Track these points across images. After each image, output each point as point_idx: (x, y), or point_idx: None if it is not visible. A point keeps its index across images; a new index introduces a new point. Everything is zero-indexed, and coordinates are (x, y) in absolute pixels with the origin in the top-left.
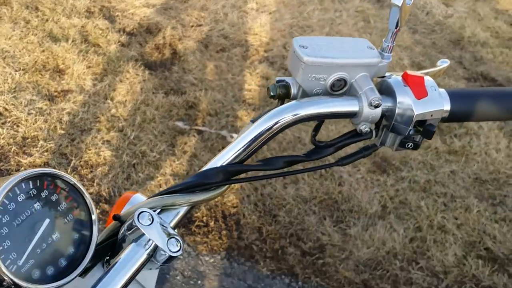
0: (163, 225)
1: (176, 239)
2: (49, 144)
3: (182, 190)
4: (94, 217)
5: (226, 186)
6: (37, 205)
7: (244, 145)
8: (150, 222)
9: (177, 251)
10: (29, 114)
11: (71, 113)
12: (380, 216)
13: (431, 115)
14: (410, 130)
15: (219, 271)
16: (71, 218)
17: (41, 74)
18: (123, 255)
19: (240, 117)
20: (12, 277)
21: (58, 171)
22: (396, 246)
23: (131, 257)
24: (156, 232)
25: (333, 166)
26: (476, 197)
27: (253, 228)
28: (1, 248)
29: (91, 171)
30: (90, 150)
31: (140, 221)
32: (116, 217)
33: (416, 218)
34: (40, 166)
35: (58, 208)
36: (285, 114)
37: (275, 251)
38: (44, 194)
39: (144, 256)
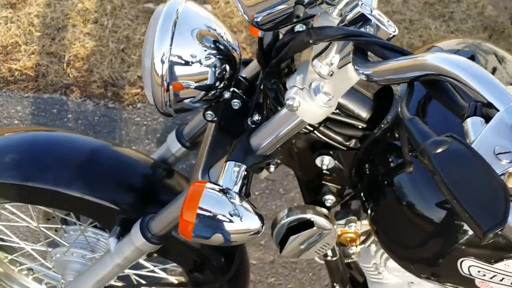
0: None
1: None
2: (32, 47)
3: None
4: None
5: None
6: None
7: None
8: None
9: (395, 31)
10: None
11: (40, 15)
12: None
13: None
14: None
15: None
16: None
17: None
18: None
19: None
20: None
21: None
22: None
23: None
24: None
25: None
26: (430, 17)
27: None
28: None
29: (84, 63)
30: (74, 44)
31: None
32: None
33: None
34: (32, 68)
35: None
36: None
37: None
38: None
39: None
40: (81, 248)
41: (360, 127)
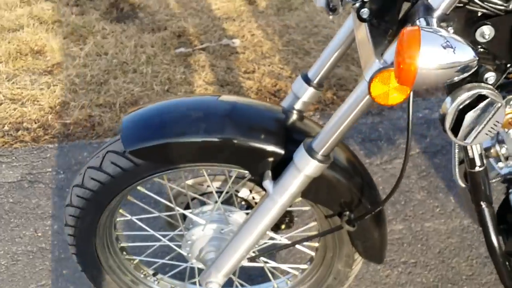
0: None
1: None
2: (79, 102)
3: None
4: None
5: None
6: None
7: None
8: None
9: None
10: (40, 89)
11: (79, 75)
12: None
13: None
14: None
15: None
16: None
17: (23, 60)
18: None
19: (226, 29)
20: None
21: None
22: None
23: None
24: None
25: None
26: None
27: None
28: None
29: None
30: (121, 93)
31: None
32: None
33: None
34: (85, 120)
35: None
36: None
37: None
38: None
39: None
40: (218, 223)
41: None
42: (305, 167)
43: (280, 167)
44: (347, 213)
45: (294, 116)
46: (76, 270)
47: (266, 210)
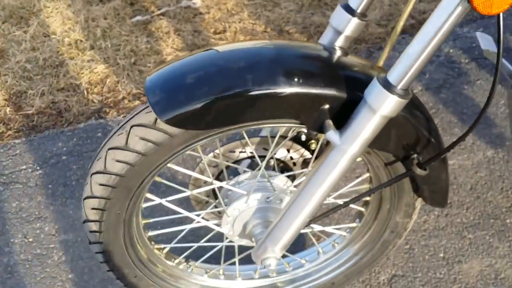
0: None
1: None
2: (38, 90)
3: None
4: None
5: None
6: None
7: None
8: None
9: None
10: None
11: (31, 60)
12: None
13: None
14: None
15: None
16: None
17: None
18: None
19: None
20: None
21: None
22: None
23: None
24: None
25: None
26: None
27: None
28: None
29: (103, 86)
30: (82, 73)
31: None
32: None
33: None
34: (49, 107)
35: None
36: None
37: None
38: None
39: None
40: (262, 191)
41: None
42: (382, 106)
43: (338, 113)
44: (415, 156)
45: (339, 53)
46: (83, 272)
47: (333, 164)
